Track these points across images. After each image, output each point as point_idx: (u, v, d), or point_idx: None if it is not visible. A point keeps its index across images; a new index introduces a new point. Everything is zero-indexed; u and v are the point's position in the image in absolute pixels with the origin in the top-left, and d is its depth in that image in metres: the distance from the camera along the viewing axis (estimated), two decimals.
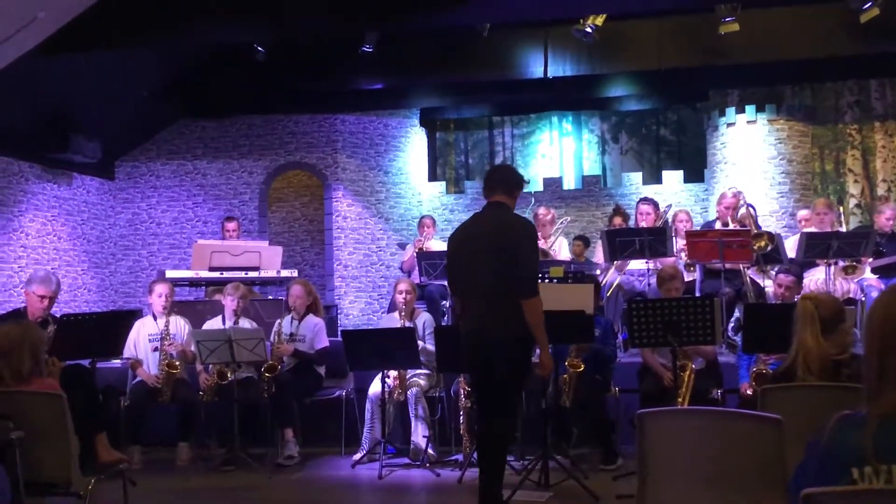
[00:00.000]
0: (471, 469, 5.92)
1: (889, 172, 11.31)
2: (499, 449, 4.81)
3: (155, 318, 7.10)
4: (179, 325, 7.13)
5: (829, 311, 3.82)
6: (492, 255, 4.70)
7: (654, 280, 7.78)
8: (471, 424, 6.36)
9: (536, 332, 4.68)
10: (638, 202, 9.10)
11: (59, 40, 8.08)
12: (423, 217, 10.00)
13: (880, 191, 11.25)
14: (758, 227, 8.35)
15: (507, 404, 4.81)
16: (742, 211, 8.36)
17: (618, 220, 9.27)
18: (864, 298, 7.70)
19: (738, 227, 7.98)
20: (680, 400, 5.72)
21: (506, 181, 4.96)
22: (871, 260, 7.89)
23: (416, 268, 8.73)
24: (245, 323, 7.13)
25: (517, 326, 4.63)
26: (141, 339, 7.01)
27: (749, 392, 5.78)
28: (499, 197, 4.92)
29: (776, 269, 7.46)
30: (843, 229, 8.50)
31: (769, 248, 7.82)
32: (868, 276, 7.94)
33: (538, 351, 4.80)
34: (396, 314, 7.15)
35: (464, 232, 5.00)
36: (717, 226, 8.25)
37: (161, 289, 7.14)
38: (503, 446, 4.87)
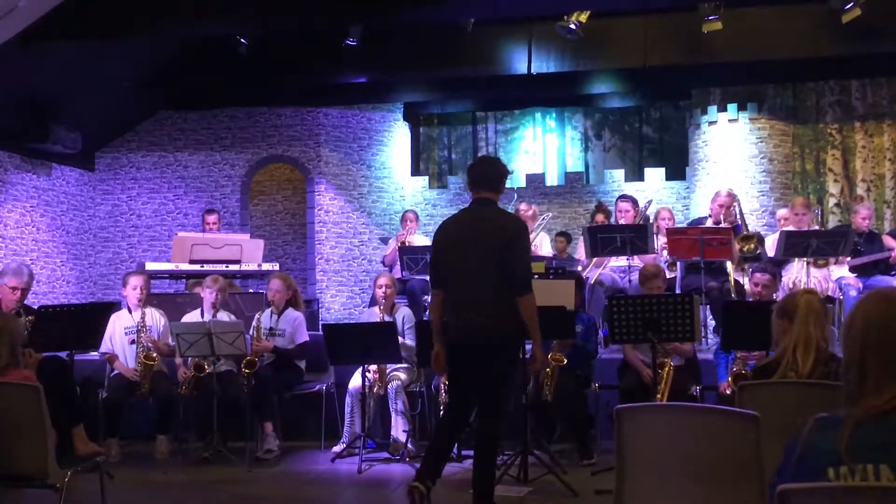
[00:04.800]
0: (450, 464, 5.92)
1: (869, 172, 11.40)
2: (494, 447, 4.85)
3: (130, 310, 7.06)
4: (155, 318, 7.08)
5: (823, 308, 3.98)
6: (491, 253, 4.71)
7: (634, 276, 7.81)
8: None
9: (532, 327, 4.75)
10: (617, 199, 9.12)
11: (39, 30, 8.01)
12: (405, 212, 9.99)
13: (860, 190, 11.33)
14: (747, 228, 8.41)
15: (504, 402, 4.85)
16: (736, 209, 8.42)
17: (600, 217, 9.30)
18: (842, 297, 7.77)
19: (728, 226, 8.03)
20: (659, 396, 5.76)
21: (491, 178, 4.93)
22: (849, 259, 7.96)
23: (398, 262, 8.73)
24: (224, 316, 7.09)
25: (516, 325, 4.71)
26: (117, 333, 6.95)
27: (728, 391, 5.81)
28: (486, 194, 4.90)
29: (752, 267, 7.51)
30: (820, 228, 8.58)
31: (758, 251, 7.87)
32: (846, 274, 8.01)
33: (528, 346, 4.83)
34: (376, 308, 7.15)
35: (455, 227, 4.95)
36: (708, 223, 8.28)
37: (136, 281, 7.08)
38: (497, 443, 4.92)
